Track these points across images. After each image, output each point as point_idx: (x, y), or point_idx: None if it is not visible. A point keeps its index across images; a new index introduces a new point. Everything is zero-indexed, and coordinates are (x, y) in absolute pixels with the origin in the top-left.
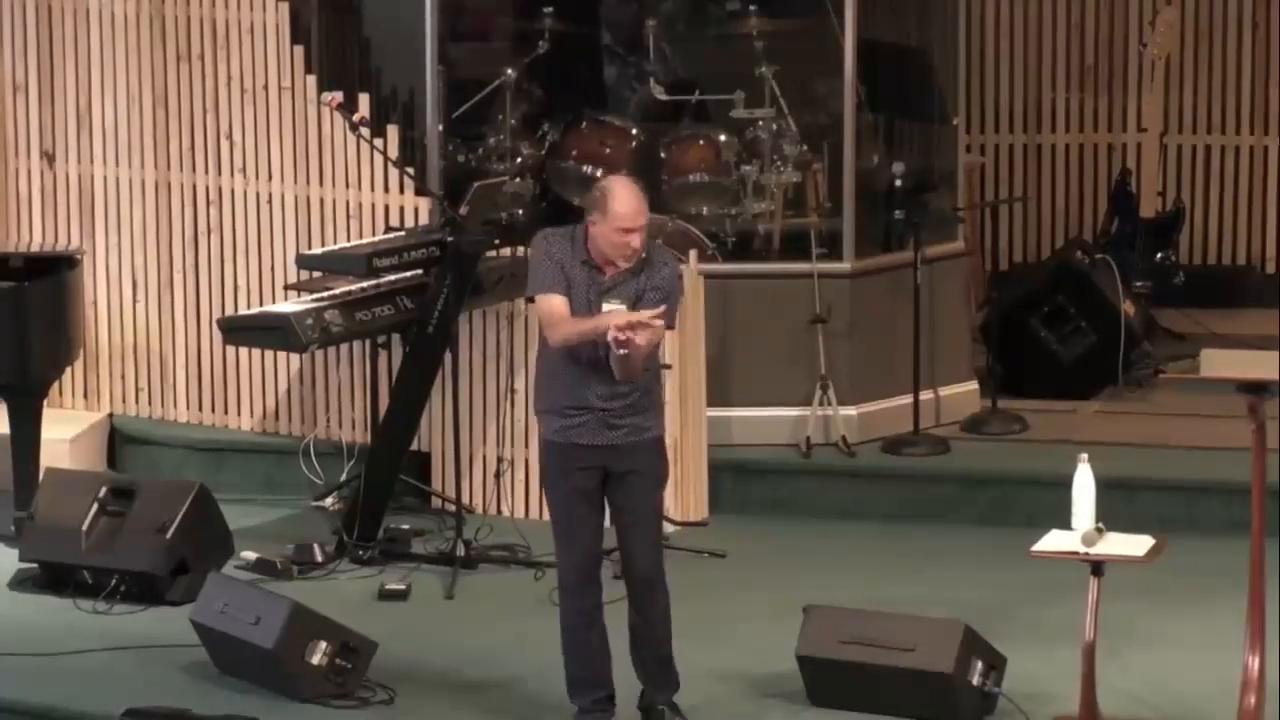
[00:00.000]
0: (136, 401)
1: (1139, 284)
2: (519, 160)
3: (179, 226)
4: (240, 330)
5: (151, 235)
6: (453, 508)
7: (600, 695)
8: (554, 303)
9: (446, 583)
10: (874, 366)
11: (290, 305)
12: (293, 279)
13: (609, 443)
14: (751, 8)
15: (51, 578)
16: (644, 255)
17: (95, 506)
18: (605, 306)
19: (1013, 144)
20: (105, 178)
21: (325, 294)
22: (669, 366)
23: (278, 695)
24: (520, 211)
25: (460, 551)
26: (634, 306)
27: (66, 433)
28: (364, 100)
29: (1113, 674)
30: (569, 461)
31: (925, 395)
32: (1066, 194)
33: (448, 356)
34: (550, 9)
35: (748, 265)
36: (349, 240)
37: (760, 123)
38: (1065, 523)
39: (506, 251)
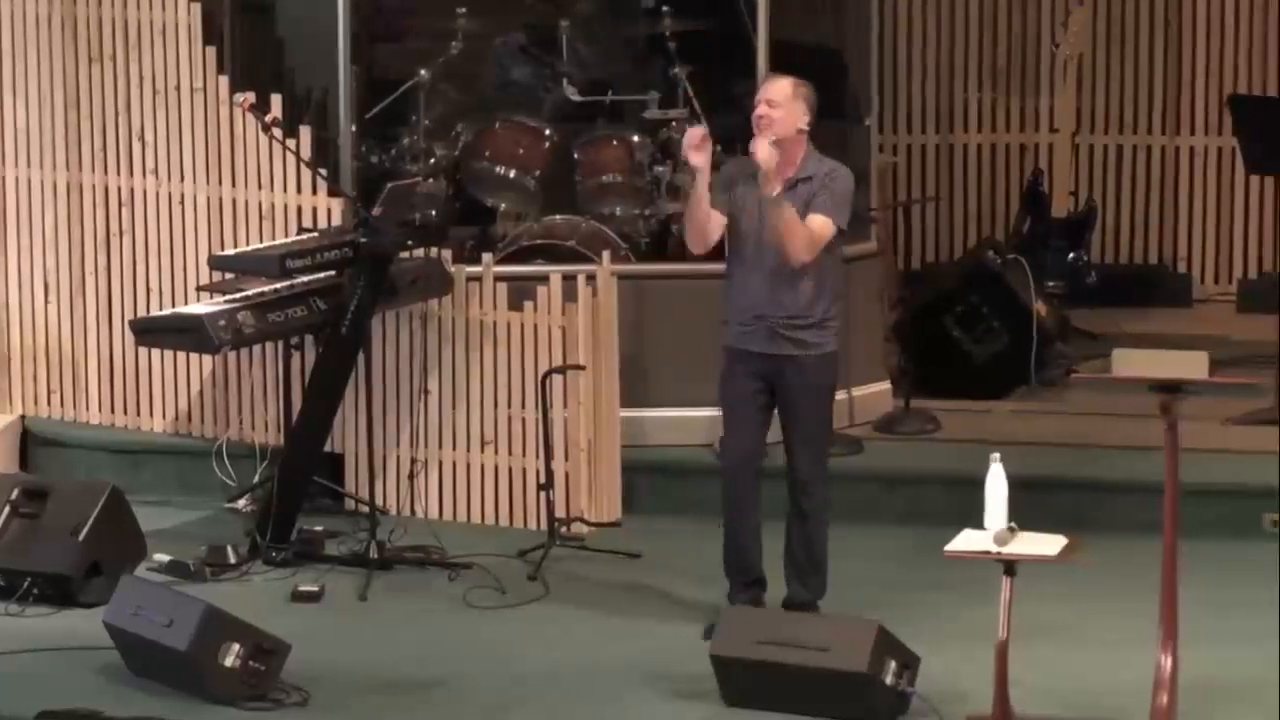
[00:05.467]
0: (49, 403)
1: (1051, 284)
2: (433, 161)
3: (91, 228)
4: (153, 332)
5: (63, 237)
6: (366, 509)
7: (748, 579)
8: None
9: (360, 584)
10: None
11: (203, 306)
12: (205, 280)
13: (777, 352)
14: (665, 8)
15: None
16: (808, 171)
17: (7, 509)
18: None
19: (925, 144)
20: (16, 179)
21: (238, 295)
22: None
23: (191, 697)
24: (434, 212)
25: (374, 553)
26: (803, 211)
27: None
28: (276, 101)
29: (1026, 673)
30: (738, 365)
31: (838, 395)
32: (979, 194)
33: (361, 357)
34: (464, 9)
35: (662, 265)
36: (262, 241)
37: (674, 123)
38: (978, 522)
39: (420, 252)
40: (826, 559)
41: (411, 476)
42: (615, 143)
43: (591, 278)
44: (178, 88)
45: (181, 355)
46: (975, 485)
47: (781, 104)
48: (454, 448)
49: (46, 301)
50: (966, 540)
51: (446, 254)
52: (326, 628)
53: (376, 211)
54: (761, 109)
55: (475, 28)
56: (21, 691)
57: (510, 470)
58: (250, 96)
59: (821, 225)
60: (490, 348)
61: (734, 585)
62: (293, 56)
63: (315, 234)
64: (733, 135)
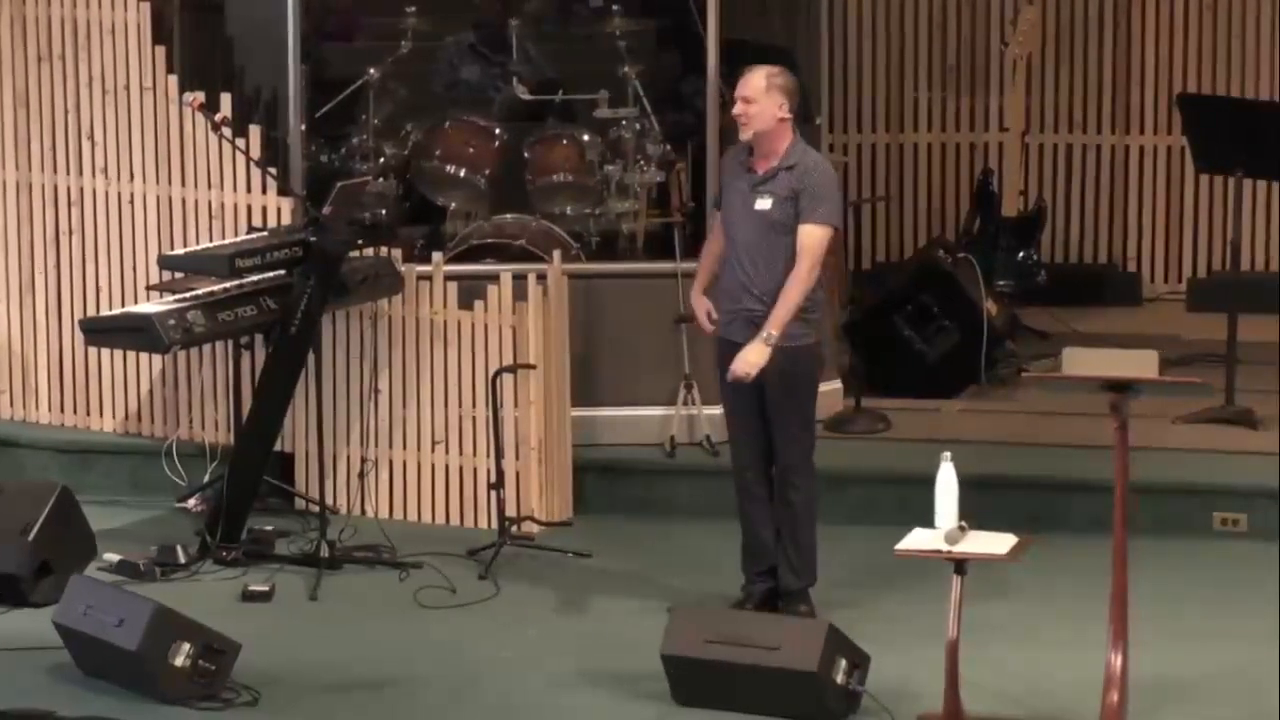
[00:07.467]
0: None
1: (1001, 283)
2: (382, 160)
3: (40, 227)
4: (102, 331)
5: (13, 236)
6: (316, 508)
7: (761, 568)
8: (713, 223)
9: (310, 584)
10: None
11: (152, 306)
12: (155, 279)
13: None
14: (615, 7)
15: None
16: (793, 159)
17: None
18: (758, 204)
19: (875, 143)
20: None
21: (188, 294)
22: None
23: (142, 697)
24: (384, 212)
25: (324, 552)
26: (785, 202)
27: None
28: (226, 100)
29: (977, 671)
30: (725, 355)
31: None
32: (929, 193)
33: (311, 357)
34: (413, 9)
35: (612, 265)
36: (211, 241)
37: (624, 122)
38: (929, 521)
39: (370, 252)
40: (814, 547)
41: (362, 476)
42: (565, 142)
43: (542, 277)
44: (127, 87)
45: (131, 355)
46: (926, 484)
47: (756, 99)
48: (404, 447)
49: None
50: (917, 539)
51: (396, 253)
52: (277, 627)
53: (326, 211)
54: (738, 107)
55: (425, 27)
56: None
57: (461, 469)
58: (200, 96)
59: (814, 238)
60: (441, 347)
61: (748, 577)
62: (242, 56)
63: (265, 233)
64: (683, 133)
